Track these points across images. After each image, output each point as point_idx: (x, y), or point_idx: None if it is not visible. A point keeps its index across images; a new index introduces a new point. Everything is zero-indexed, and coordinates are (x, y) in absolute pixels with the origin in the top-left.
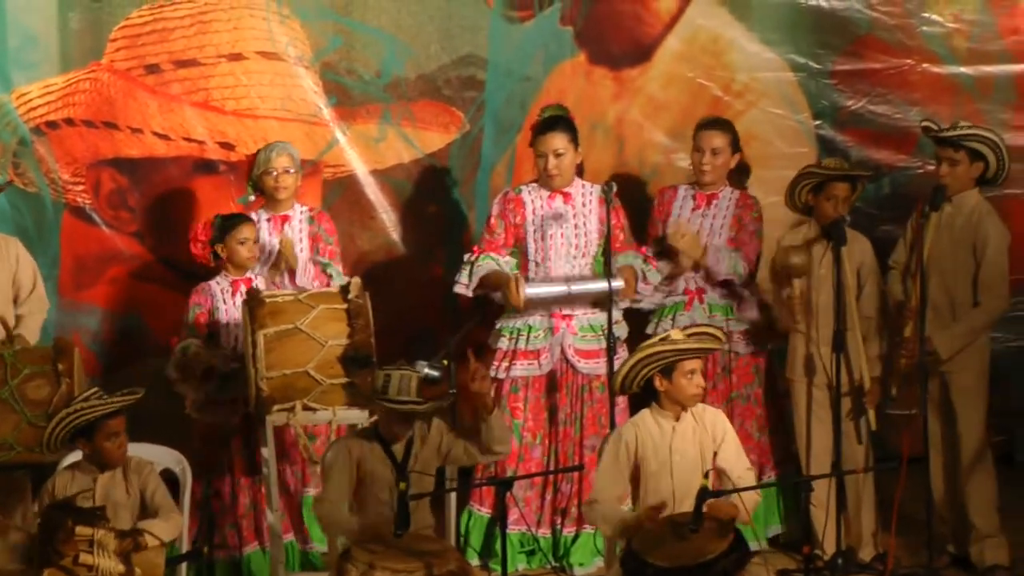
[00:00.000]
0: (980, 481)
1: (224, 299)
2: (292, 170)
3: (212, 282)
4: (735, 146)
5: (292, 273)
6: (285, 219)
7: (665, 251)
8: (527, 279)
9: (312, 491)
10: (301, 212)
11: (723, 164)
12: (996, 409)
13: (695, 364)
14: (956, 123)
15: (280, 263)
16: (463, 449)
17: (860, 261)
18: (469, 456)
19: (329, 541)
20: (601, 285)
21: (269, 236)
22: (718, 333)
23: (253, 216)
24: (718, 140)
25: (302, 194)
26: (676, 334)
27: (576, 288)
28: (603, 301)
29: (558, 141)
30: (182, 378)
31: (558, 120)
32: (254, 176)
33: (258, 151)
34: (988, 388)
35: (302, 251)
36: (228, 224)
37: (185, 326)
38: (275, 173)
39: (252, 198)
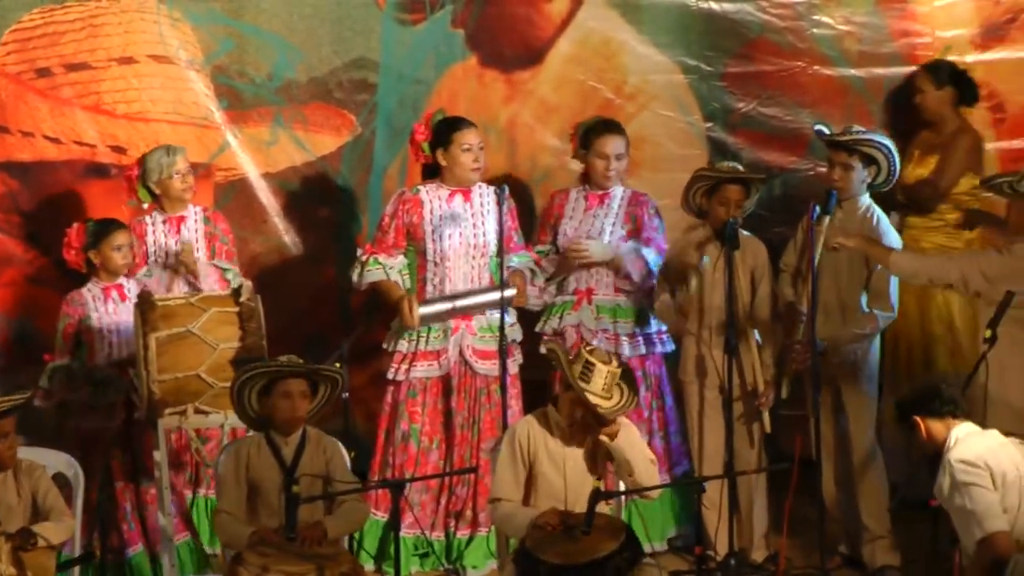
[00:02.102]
0: (871, 483)
1: (96, 306)
2: (191, 170)
3: (84, 290)
4: (628, 146)
5: (196, 279)
6: (181, 220)
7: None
8: (424, 280)
9: (202, 491)
10: (196, 212)
11: (625, 167)
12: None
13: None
14: (850, 127)
15: (180, 268)
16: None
17: (754, 264)
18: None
19: (222, 544)
20: (490, 297)
21: (166, 238)
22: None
23: (148, 219)
24: (621, 144)
25: (194, 198)
26: (597, 380)
27: (461, 304)
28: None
29: (478, 135)
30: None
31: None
32: (151, 181)
33: (147, 156)
34: (878, 391)
35: (199, 251)
36: (102, 230)
37: (56, 340)
38: (180, 175)
39: (146, 204)
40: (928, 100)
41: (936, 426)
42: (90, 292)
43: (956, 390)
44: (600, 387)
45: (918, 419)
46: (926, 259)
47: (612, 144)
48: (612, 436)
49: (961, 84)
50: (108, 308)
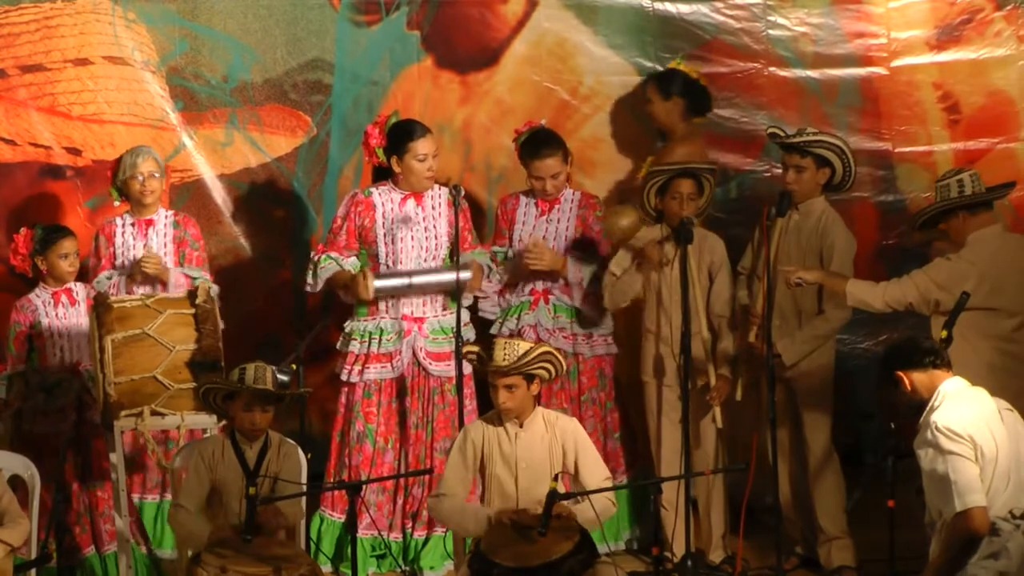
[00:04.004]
0: (827, 484)
1: (47, 312)
2: (157, 174)
3: (33, 295)
4: (566, 154)
5: (164, 286)
6: (150, 223)
7: (516, 262)
8: (377, 276)
9: (149, 497)
10: (166, 216)
11: (564, 180)
12: (843, 411)
13: (497, 379)
14: (803, 130)
15: (136, 274)
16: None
17: (711, 259)
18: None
19: (179, 547)
20: (447, 277)
21: (133, 240)
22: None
23: (117, 221)
24: (556, 165)
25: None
26: (497, 352)
27: (417, 280)
28: (454, 292)
29: (433, 143)
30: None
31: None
32: (119, 181)
33: (122, 156)
34: (833, 392)
35: (167, 255)
36: (50, 237)
37: (8, 348)
38: (141, 178)
39: (117, 203)
40: (656, 110)
41: (920, 378)
42: (39, 297)
43: (934, 341)
44: (502, 357)
45: (901, 374)
46: (881, 286)
47: (544, 168)
48: None
49: (693, 94)
50: (59, 313)
